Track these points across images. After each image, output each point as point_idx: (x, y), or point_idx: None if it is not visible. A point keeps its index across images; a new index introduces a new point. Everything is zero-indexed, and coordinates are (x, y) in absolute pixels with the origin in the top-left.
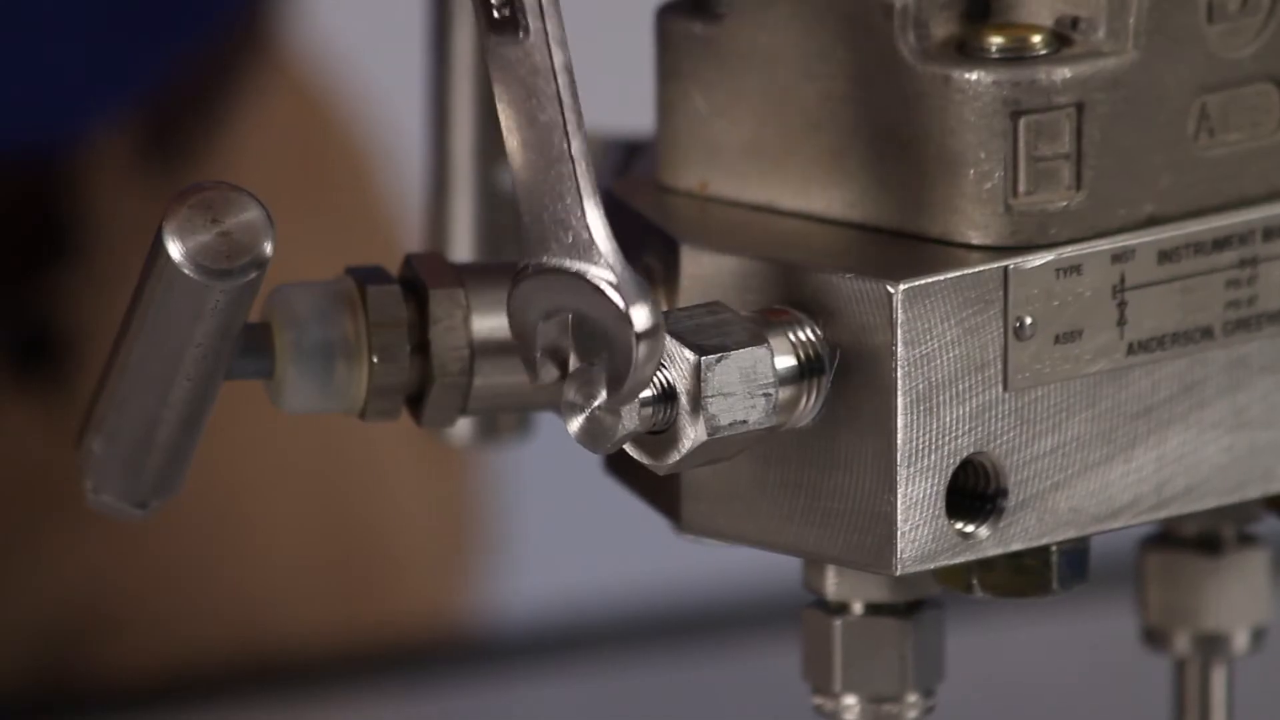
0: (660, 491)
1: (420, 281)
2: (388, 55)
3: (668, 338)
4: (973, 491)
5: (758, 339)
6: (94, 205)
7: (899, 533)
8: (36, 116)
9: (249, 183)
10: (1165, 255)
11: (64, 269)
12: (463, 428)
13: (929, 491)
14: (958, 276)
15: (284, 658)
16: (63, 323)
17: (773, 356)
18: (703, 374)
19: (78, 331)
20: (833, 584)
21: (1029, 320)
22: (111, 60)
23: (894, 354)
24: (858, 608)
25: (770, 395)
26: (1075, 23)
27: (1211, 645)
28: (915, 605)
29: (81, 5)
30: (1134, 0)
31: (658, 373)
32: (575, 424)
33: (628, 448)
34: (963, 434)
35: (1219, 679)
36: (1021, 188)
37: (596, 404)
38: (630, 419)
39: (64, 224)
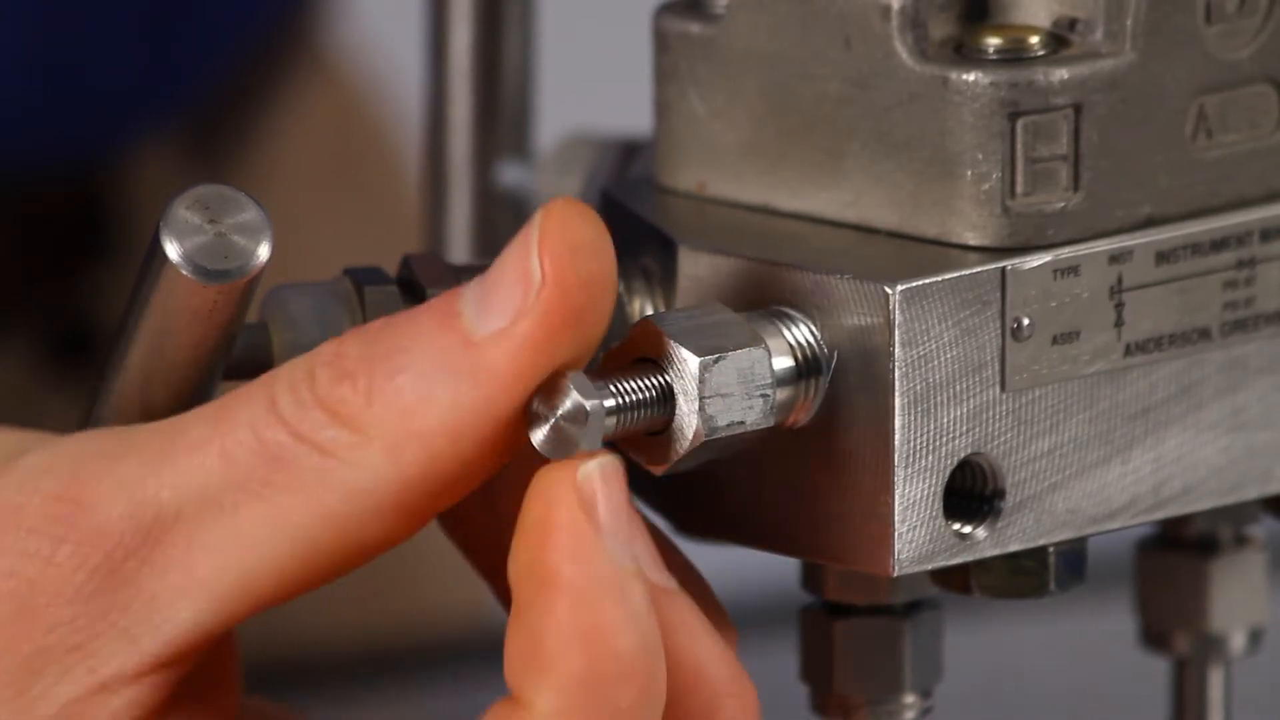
0: (658, 492)
1: (418, 282)
2: (388, 54)
3: (667, 338)
4: (970, 492)
5: (755, 340)
6: (137, 204)
7: (896, 534)
8: (84, 119)
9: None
10: (1163, 256)
11: (106, 266)
12: None
13: (926, 492)
14: (955, 277)
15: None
16: (104, 318)
17: (770, 357)
18: (701, 375)
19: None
20: (831, 585)
21: (1027, 321)
22: (158, 64)
23: (891, 355)
24: (856, 608)
25: (768, 396)
26: (1073, 24)
27: (1209, 646)
28: (913, 606)
29: (130, 10)
30: (1131, 1)
31: (655, 374)
32: (539, 435)
33: (624, 449)
34: (960, 435)
35: (1216, 680)
36: (1019, 189)
37: (560, 414)
38: (594, 434)
39: (107, 222)
